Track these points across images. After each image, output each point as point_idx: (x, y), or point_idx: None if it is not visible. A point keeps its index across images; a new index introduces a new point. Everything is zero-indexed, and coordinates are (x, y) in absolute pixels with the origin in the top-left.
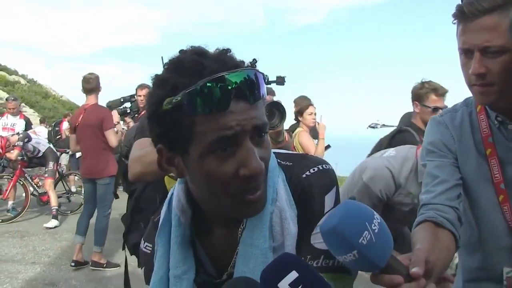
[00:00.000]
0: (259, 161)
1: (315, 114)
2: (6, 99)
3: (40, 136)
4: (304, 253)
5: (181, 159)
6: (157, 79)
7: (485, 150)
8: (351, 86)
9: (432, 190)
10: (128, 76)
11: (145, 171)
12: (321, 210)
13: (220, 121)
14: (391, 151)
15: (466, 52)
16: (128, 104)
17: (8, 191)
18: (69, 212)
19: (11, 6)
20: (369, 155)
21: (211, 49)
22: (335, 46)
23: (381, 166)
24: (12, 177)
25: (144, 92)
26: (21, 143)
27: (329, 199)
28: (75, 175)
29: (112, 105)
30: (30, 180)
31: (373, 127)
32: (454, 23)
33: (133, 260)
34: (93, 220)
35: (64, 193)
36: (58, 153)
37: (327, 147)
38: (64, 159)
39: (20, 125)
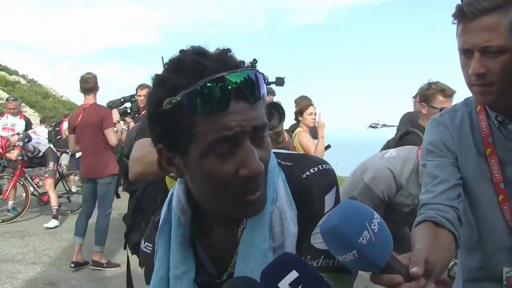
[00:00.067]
0: (259, 162)
1: (315, 114)
2: (6, 99)
3: (40, 136)
4: (304, 253)
5: (181, 159)
6: (157, 79)
7: (485, 150)
8: (351, 86)
9: (432, 190)
10: (128, 76)
11: (146, 171)
12: (321, 210)
13: (220, 121)
14: (392, 152)
15: (466, 52)
16: (128, 104)
17: (8, 191)
18: (69, 212)
19: (11, 6)
20: None
21: (211, 49)
22: (335, 46)
23: (382, 167)
24: (12, 177)
25: (144, 92)
26: (21, 143)
27: (329, 199)
28: (75, 175)
29: (112, 105)
30: (30, 180)
31: (373, 127)
32: (454, 23)
33: (134, 260)
34: (93, 220)
35: (64, 193)
36: (58, 153)
37: (327, 147)
38: (65, 159)
39: (20, 125)
